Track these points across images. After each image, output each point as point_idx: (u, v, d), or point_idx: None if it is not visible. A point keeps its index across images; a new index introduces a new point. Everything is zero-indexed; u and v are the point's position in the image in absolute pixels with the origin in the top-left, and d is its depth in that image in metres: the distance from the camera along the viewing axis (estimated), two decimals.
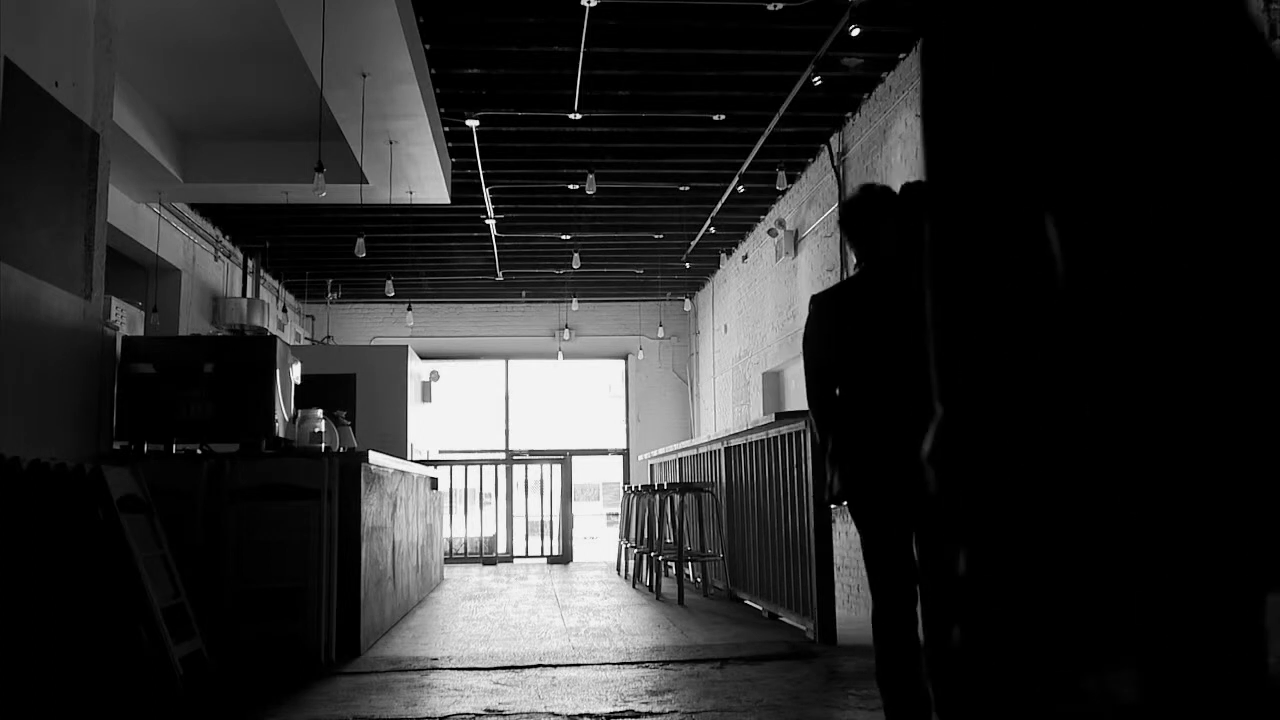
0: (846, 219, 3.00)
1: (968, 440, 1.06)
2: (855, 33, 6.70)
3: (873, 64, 7.61)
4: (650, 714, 3.23)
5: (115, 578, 3.31)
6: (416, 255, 12.85)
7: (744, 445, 5.94)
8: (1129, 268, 0.95)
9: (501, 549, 9.99)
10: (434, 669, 3.97)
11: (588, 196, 9.72)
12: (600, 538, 17.26)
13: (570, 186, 10.04)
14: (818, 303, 2.97)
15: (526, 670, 3.90)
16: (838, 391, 2.83)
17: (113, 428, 4.19)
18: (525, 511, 10.38)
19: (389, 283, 13.37)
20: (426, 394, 11.76)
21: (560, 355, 15.72)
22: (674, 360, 15.94)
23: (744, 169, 9.51)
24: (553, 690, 3.52)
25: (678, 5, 6.50)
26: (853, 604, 6.59)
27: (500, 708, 3.27)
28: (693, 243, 12.23)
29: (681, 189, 10.40)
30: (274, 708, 3.31)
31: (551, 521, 10.15)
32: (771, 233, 10.79)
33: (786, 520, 4.99)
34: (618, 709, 3.23)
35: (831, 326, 2.88)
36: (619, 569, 8.59)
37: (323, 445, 4.56)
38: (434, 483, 7.29)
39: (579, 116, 8.15)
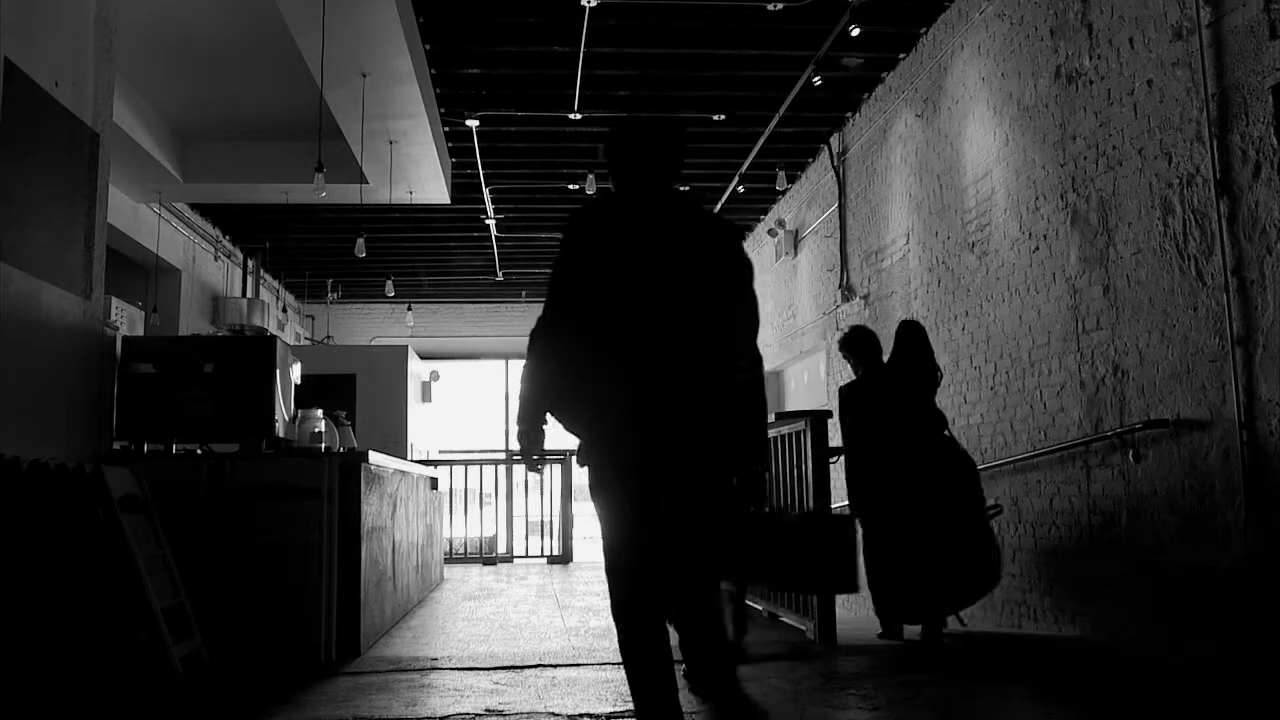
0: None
1: None
2: (855, 33, 6.71)
3: (873, 64, 7.62)
4: None
5: (115, 578, 3.30)
6: (416, 255, 12.85)
7: None
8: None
9: (501, 549, 9.99)
10: (434, 669, 3.97)
11: (588, 196, 9.72)
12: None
13: (570, 186, 10.04)
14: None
15: (526, 670, 3.90)
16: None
17: (113, 428, 4.18)
18: (525, 511, 10.37)
19: (389, 283, 13.37)
20: (426, 394, 11.75)
21: None
22: None
23: (744, 169, 9.51)
24: (553, 690, 3.52)
25: (678, 5, 6.50)
26: (853, 604, 6.58)
27: (500, 708, 3.27)
28: None
29: (681, 189, 10.39)
30: (274, 708, 3.30)
31: (551, 521, 10.14)
32: (771, 233, 10.79)
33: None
34: (618, 709, 3.23)
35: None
36: None
37: (323, 445, 4.55)
38: (434, 483, 7.28)
39: (579, 116, 8.15)
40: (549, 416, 2.67)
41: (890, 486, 4.62)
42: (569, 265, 2.65)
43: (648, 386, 2.51)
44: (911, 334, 4.88)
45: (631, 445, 2.54)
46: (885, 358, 4.95)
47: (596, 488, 2.62)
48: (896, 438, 4.65)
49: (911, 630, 4.70)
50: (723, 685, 2.59)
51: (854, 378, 5.00)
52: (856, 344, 4.92)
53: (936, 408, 4.82)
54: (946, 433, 4.79)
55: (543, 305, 2.70)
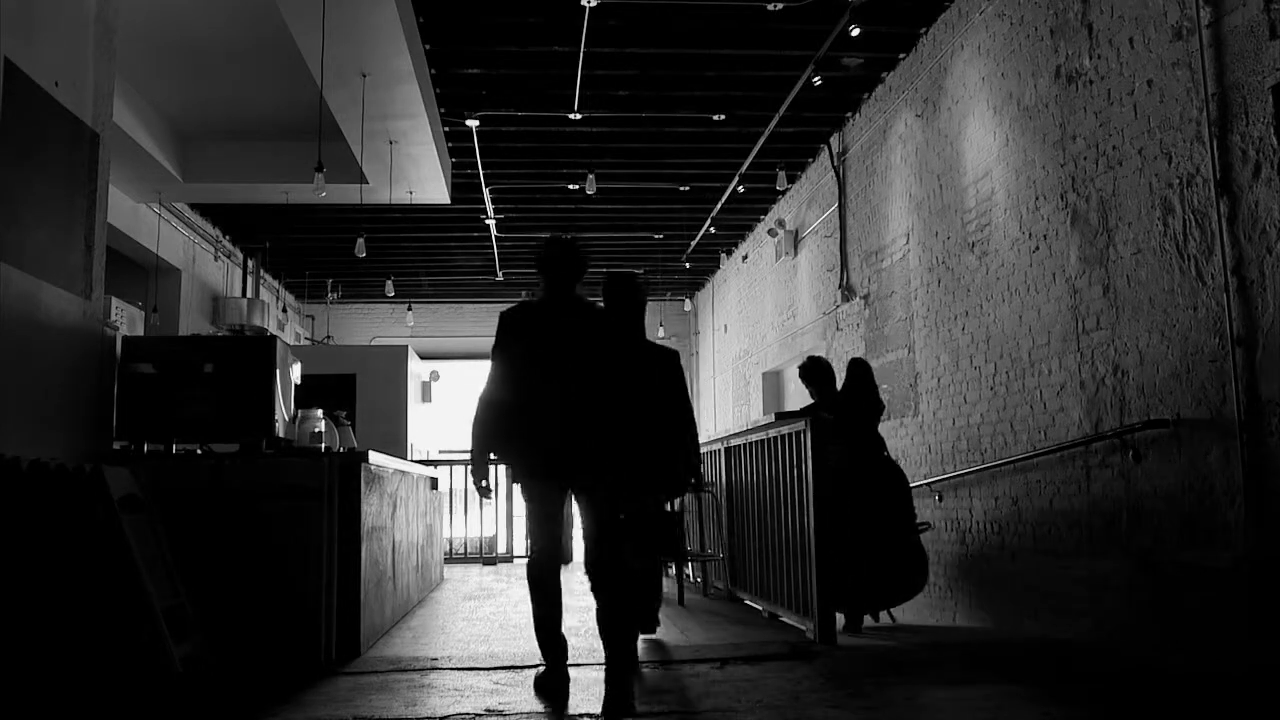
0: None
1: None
2: (855, 33, 6.71)
3: (873, 64, 7.62)
4: (650, 714, 3.23)
5: (115, 577, 3.30)
6: (416, 255, 12.85)
7: (744, 445, 5.94)
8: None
9: (501, 549, 9.98)
10: (434, 669, 3.97)
11: (588, 196, 9.73)
12: None
13: (570, 186, 10.05)
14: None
15: (526, 670, 3.90)
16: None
17: (113, 428, 4.18)
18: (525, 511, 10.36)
19: (389, 283, 13.37)
20: (426, 394, 11.75)
21: None
22: None
23: (744, 169, 9.51)
24: None
25: (678, 5, 6.50)
26: None
27: (500, 708, 3.27)
28: (693, 243, 12.23)
29: (681, 189, 10.40)
30: (274, 708, 3.31)
31: None
32: (771, 233, 10.79)
33: (786, 520, 4.99)
34: None
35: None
36: None
37: (323, 445, 4.55)
38: (434, 483, 7.28)
39: (579, 116, 8.15)
40: (493, 455, 3.71)
41: (836, 498, 5.09)
42: (501, 346, 3.66)
43: (555, 436, 3.56)
44: (859, 371, 5.67)
45: (544, 475, 3.60)
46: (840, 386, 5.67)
47: (526, 500, 3.66)
48: (840, 457, 5.19)
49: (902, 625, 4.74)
50: (618, 644, 3.41)
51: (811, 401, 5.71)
52: (813, 374, 5.70)
53: (877, 433, 5.54)
54: (885, 454, 5.50)
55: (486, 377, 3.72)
